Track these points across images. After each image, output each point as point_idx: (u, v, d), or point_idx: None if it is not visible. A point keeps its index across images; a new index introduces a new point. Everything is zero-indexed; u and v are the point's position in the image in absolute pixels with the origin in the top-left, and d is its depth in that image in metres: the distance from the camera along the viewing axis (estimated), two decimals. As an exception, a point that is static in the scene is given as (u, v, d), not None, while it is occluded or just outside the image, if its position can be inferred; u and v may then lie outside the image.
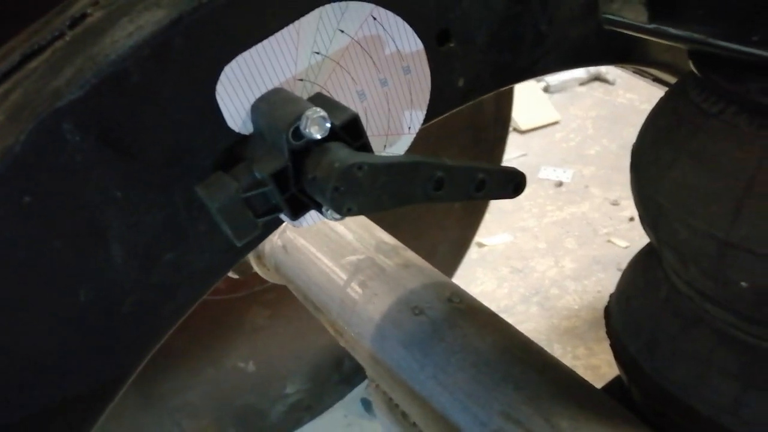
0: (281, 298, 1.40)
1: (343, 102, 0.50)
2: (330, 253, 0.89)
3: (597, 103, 3.20)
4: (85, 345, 0.45)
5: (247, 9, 0.43)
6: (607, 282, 2.03)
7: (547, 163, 2.74)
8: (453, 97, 0.58)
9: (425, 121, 0.56)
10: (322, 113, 0.41)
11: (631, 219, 2.32)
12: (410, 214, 1.48)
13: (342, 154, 0.42)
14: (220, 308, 1.32)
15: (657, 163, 0.59)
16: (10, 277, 0.41)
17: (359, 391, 1.73)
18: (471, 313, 0.75)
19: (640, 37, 0.61)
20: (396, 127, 0.54)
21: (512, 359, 0.67)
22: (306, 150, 0.43)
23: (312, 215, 0.48)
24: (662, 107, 0.63)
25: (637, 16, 0.57)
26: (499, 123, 1.56)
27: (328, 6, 0.46)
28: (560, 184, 2.61)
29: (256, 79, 0.45)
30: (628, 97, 3.22)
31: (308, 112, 0.41)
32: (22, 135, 0.38)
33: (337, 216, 0.43)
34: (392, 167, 0.43)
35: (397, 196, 0.45)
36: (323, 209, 0.45)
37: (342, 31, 0.47)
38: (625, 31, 0.58)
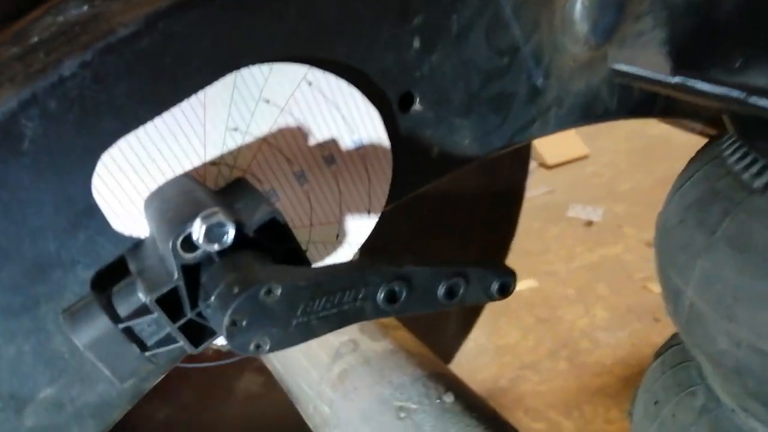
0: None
1: (279, 187, 0.40)
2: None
3: (629, 136, 3.05)
4: None
5: (126, 81, 0.33)
6: (643, 333, 1.87)
7: (576, 201, 2.60)
8: (426, 170, 0.47)
9: (391, 200, 0.45)
10: (218, 218, 0.31)
11: (669, 262, 2.15)
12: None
13: (244, 273, 0.31)
14: (208, 377, 1.22)
15: (687, 249, 0.47)
16: None
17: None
18: (466, 416, 0.62)
19: (662, 90, 0.50)
20: (351, 210, 0.44)
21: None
22: (209, 261, 0.33)
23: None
24: (692, 172, 0.51)
25: (656, 66, 0.45)
26: (516, 163, 1.43)
27: (244, 70, 0.36)
28: (590, 223, 2.47)
29: (147, 168, 0.35)
30: (663, 128, 3.06)
31: (199, 218, 0.31)
32: None
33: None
34: (320, 286, 0.32)
35: (333, 318, 0.34)
36: None
37: (267, 101, 0.37)
38: (641, 86, 0.47)
